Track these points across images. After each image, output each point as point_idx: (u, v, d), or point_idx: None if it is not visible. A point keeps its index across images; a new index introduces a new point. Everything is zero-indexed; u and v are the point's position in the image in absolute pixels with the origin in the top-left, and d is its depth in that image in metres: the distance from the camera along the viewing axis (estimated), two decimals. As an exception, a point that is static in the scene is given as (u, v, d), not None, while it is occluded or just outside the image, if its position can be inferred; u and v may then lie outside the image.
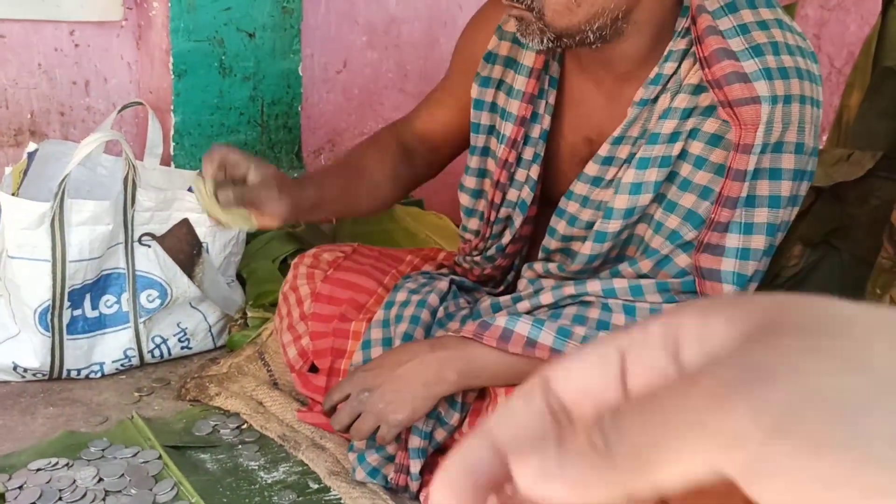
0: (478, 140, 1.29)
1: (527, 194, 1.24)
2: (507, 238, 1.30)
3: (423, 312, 1.27)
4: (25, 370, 1.46)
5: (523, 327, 1.12)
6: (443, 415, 1.20)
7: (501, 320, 1.14)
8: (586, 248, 1.18)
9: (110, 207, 1.45)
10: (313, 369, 1.40)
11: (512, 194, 1.26)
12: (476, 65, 1.25)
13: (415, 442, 1.18)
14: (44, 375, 1.47)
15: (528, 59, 1.20)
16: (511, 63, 1.22)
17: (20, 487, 1.17)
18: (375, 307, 1.37)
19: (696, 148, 1.10)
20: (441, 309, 1.29)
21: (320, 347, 1.37)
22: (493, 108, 1.26)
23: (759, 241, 1.08)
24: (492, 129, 1.28)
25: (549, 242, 1.24)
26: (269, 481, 1.23)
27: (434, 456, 1.22)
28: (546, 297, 1.18)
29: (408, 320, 1.26)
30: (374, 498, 1.18)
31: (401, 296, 1.31)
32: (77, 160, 1.40)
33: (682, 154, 1.11)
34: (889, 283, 1.43)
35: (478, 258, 1.36)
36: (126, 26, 1.84)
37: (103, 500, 1.16)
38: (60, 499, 1.15)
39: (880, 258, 1.45)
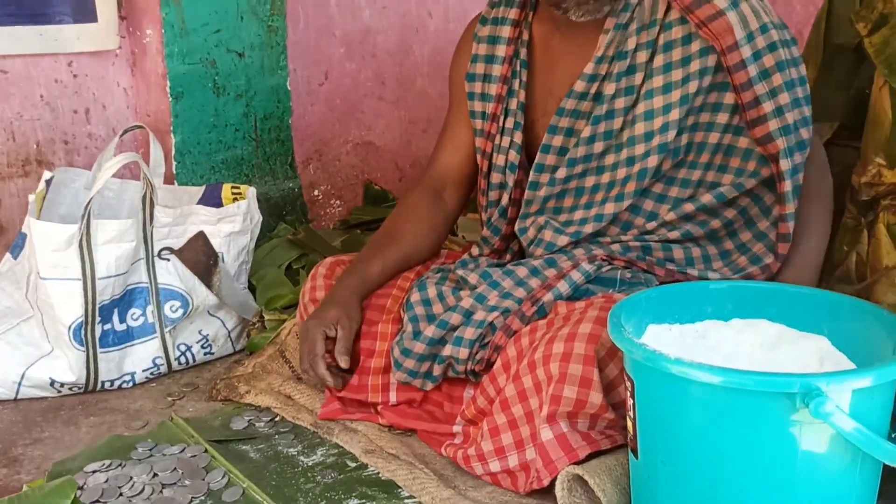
0: (476, 124, 1.51)
1: (514, 157, 1.45)
2: (505, 199, 1.47)
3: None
4: (62, 385, 1.54)
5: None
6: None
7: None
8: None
9: (132, 225, 1.54)
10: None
11: (500, 159, 1.47)
12: (464, 84, 1.50)
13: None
14: (80, 389, 1.56)
15: (500, 51, 1.46)
16: (489, 59, 1.48)
17: (81, 487, 1.25)
18: (395, 306, 1.48)
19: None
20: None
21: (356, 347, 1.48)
22: (483, 97, 1.48)
23: (784, 98, 1.28)
24: (483, 114, 1.49)
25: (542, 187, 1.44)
26: (310, 464, 1.33)
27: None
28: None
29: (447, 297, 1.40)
30: (410, 468, 1.28)
31: (431, 291, 1.43)
32: (101, 183, 1.49)
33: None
34: (854, 240, 1.58)
35: (487, 233, 1.50)
36: (120, 54, 1.92)
37: (160, 492, 1.25)
38: (121, 494, 1.24)
39: (845, 218, 1.60)
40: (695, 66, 1.31)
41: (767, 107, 1.28)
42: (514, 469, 1.21)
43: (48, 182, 1.65)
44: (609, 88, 1.36)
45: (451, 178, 1.55)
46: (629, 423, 1.04)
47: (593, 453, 1.16)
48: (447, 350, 1.33)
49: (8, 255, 1.68)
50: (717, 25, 1.28)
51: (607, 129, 1.37)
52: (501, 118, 1.46)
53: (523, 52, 1.44)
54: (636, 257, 1.34)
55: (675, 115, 1.32)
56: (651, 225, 1.37)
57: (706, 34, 1.29)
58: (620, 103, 1.36)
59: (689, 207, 1.35)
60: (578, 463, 1.14)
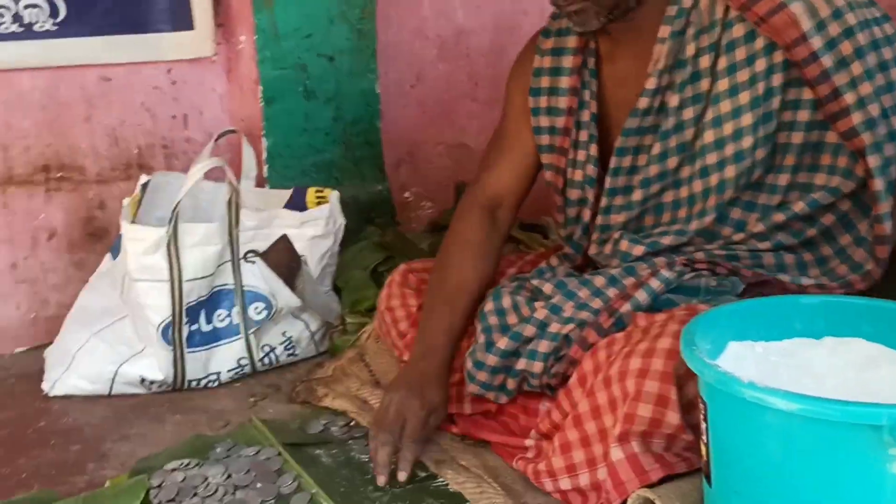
0: (541, 139, 1.45)
1: (591, 171, 1.39)
2: (586, 215, 1.41)
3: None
4: (152, 382, 1.59)
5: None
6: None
7: None
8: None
9: (218, 228, 1.58)
10: None
11: (577, 174, 1.40)
12: (526, 99, 1.44)
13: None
14: (168, 387, 1.61)
15: (567, 62, 1.40)
16: (555, 71, 1.42)
17: (159, 486, 1.29)
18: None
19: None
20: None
21: None
22: (550, 111, 1.42)
23: (866, 88, 1.19)
24: (552, 129, 1.43)
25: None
26: (381, 472, 1.32)
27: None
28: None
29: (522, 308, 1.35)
30: (478, 481, 1.26)
31: (506, 301, 1.38)
32: (187, 188, 1.54)
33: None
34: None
35: (569, 251, 1.46)
36: (217, 61, 1.97)
37: (233, 493, 1.27)
38: (195, 494, 1.27)
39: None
40: (760, 64, 1.23)
41: (849, 98, 1.19)
42: (585, 488, 1.17)
43: (144, 186, 1.71)
44: (673, 100, 1.29)
45: (506, 197, 1.49)
46: (703, 448, 0.98)
47: (668, 476, 1.10)
48: (521, 364, 1.30)
49: (108, 256, 1.75)
50: (778, 20, 1.20)
51: (679, 143, 1.31)
52: (574, 131, 1.41)
53: (591, 62, 1.38)
54: (721, 260, 1.27)
55: (747, 119, 1.24)
56: (739, 236, 1.29)
57: (766, 31, 1.21)
58: (689, 113, 1.29)
59: (779, 217, 1.26)
60: (652, 486, 1.08)
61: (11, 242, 1.80)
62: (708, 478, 0.97)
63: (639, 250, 1.32)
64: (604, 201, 1.38)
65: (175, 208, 1.53)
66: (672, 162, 1.32)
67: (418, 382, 1.31)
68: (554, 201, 1.49)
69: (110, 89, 1.87)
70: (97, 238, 1.89)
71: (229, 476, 1.31)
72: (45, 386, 1.62)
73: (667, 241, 1.31)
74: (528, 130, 1.46)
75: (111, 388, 1.60)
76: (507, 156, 1.51)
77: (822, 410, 0.83)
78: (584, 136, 1.40)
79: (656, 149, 1.32)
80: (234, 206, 1.61)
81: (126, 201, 1.62)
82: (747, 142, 1.25)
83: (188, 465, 1.34)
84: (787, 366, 1.04)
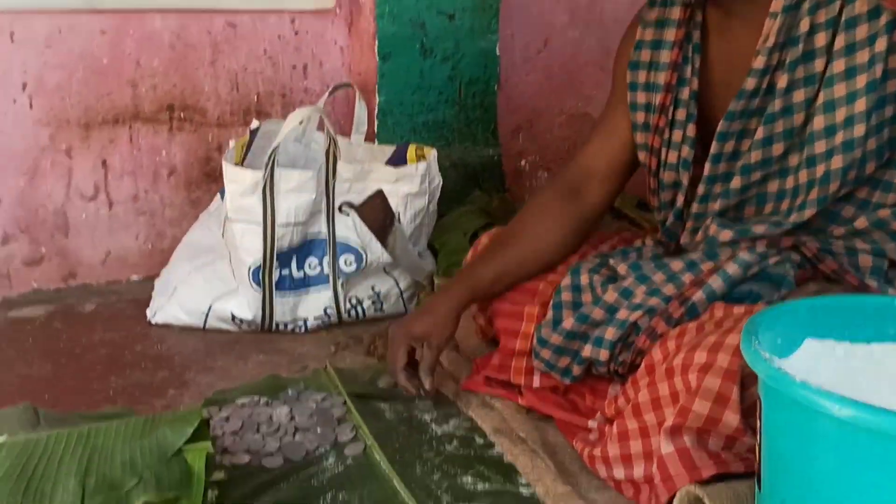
0: (637, 117, 1.35)
1: (687, 153, 1.28)
2: (680, 200, 1.31)
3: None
4: (241, 321, 1.65)
5: None
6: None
7: None
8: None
9: (313, 177, 1.60)
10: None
11: (671, 156, 1.30)
12: (626, 73, 1.35)
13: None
14: (257, 327, 1.66)
15: (669, 35, 1.30)
16: (656, 44, 1.32)
17: (227, 418, 1.33)
18: (549, 290, 1.40)
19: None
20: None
21: (499, 327, 1.43)
22: (648, 87, 1.32)
23: None
24: (648, 106, 1.33)
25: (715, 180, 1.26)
26: (439, 433, 1.31)
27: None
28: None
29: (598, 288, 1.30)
30: (532, 456, 1.22)
31: (584, 279, 1.33)
32: (283, 133, 1.56)
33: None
34: None
35: (663, 238, 1.38)
36: (339, 14, 2.00)
37: (293, 435, 1.30)
38: (258, 430, 1.30)
39: None
40: (881, 44, 1.09)
41: None
42: (639, 481, 1.11)
43: (253, 131, 1.76)
44: (782, 81, 1.17)
45: (596, 171, 1.40)
46: (756, 448, 0.90)
47: (722, 476, 1.03)
48: (587, 351, 1.24)
49: (218, 196, 1.83)
50: None
51: (786, 128, 1.19)
52: (671, 109, 1.30)
53: (696, 36, 1.27)
54: (811, 248, 1.16)
55: (860, 105, 1.11)
56: (839, 231, 1.17)
57: (893, 4, 1.08)
58: (800, 95, 1.17)
59: (884, 213, 1.13)
60: (704, 483, 1.01)
61: (135, 175, 1.91)
62: (758, 481, 0.90)
63: (726, 235, 1.22)
64: (701, 189, 1.28)
65: (272, 153, 1.56)
66: (777, 148, 1.21)
67: (412, 315, 1.37)
68: (648, 183, 1.40)
69: (235, 35, 1.94)
70: (213, 178, 1.97)
71: (293, 418, 1.34)
72: (148, 313, 1.72)
73: (760, 229, 1.21)
74: (626, 106, 1.38)
75: (205, 321, 1.67)
76: (601, 131, 1.43)
77: (882, 421, 0.74)
78: (681, 114, 1.30)
79: (760, 133, 1.21)
80: (331, 157, 1.63)
81: (232, 143, 1.67)
82: (859, 130, 1.12)
83: (258, 402, 1.38)
84: (868, 372, 0.94)
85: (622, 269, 1.28)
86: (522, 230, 1.40)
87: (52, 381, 1.48)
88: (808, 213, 1.17)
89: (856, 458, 0.77)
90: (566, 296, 1.31)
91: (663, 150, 1.32)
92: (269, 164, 1.56)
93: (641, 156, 1.36)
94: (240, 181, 1.57)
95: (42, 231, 1.84)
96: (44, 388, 1.44)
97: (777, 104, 1.19)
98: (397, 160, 1.75)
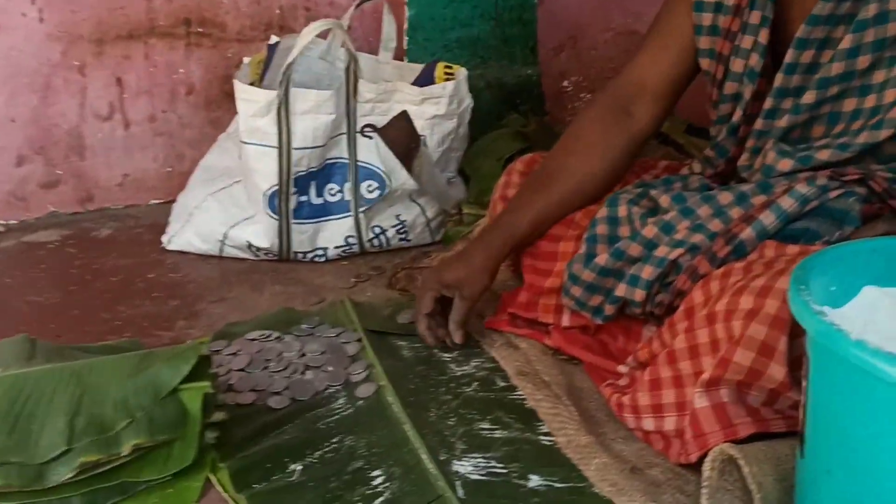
0: (703, 18, 1.20)
1: (755, 62, 1.14)
2: (737, 115, 1.18)
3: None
4: (258, 249, 1.57)
5: None
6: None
7: None
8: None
9: (332, 97, 1.49)
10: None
11: (737, 65, 1.16)
12: None
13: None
14: (274, 256, 1.58)
15: None
16: None
17: (234, 354, 1.27)
18: (585, 221, 1.28)
19: None
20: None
21: (526, 263, 1.33)
22: (717, 7, 1.18)
23: None
24: (719, 6, 1.18)
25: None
26: (459, 374, 1.23)
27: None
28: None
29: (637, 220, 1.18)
30: (555, 402, 1.13)
31: (622, 210, 1.21)
32: (298, 49, 1.45)
33: None
34: None
35: (711, 153, 1.25)
36: (369, -79, 1.85)
37: (302, 373, 1.23)
38: (266, 367, 1.23)
39: None
40: None
41: None
42: (670, 434, 1.01)
43: (271, 47, 1.65)
44: None
45: (648, 85, 1.25)
46: (801, 409, 0.79)
47: (761, 435, 0.92)
48: (621, 290, 1.13)
49: (237, 117, 1.73)
50: None
51: (878, 38, 1.03)
52: (746, 11, 1.15)
53: None
54: (881, 179, 1.02)
55: None
56: None
57: None
58: None
59: None
60: (739, 442, 0.91)
61: (151, 94, 1.82)
62: (801, 445, 0.79)
63: (785, 164, 1.09)
64: (769, 102, 1.14)
65: (286, 71, 1.45)
66: (863, 61, 1.06)
67: (446, 260, 1.28)
68: (709, 95, 1.25)
69: (255, -57, 1.81)
70: (234, 98, 1.85)
71: (303, 355, 1.26)
72: (164, 239, 1.65)
73: (824, 155, 1.07)
74: (687, 7, 1.23)
75: (221, 249, 1.59)
76: (655, 39, 1.28)
77: (952, 392, 0.62)
78: (755, 17, 1.14)
79: (846, 42, 1.06)
80: (351, 75, 1.51)
81: (247, 60, 1.57)
82: None
83: (268, 336, 1.31)
84: (937, 327, 0.81)
85: (664, 200, 1.16)
86: (565, 161, 1.27)
87: (60, 309, 1.43)
88: (885, 133, 1.03)
89: (919, 431, 0.66)
90: (601, 229, 1.20)
91: (731, 58, 1.17)
92: (284, 83, 1.45)
93: (705, 63, 1.22)
94: (252, 101, 1.47)
95: (57, 152, 1.77)
96: (50, 317, 1.40)
97: (871, 9, 1.04)
98: (425, 80, 1.63)
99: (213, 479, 1.02)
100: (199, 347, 1.08)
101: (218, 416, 1.08)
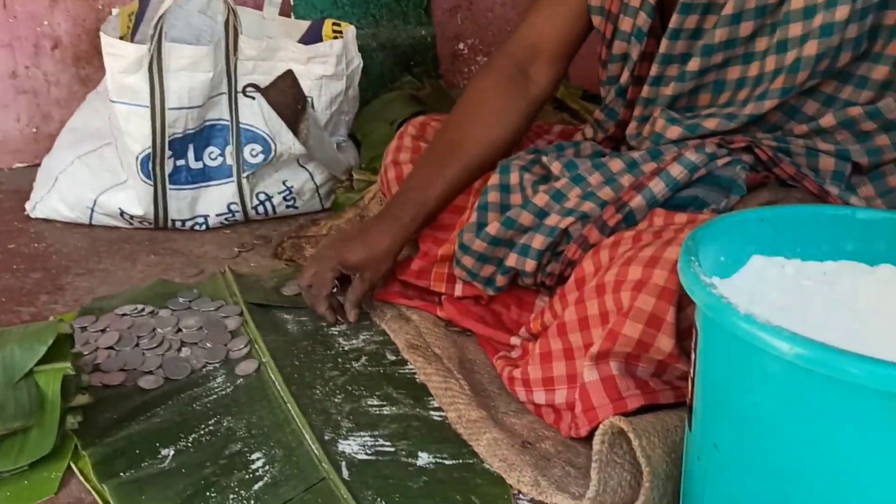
0: None
1: (643, 21, 1.11)
2: (625, 76, 1.15)
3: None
4: (132, 217, 1.47)
5: None
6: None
7: None
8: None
9: (210, 53, 1.40)
10: None
11: (626, 23, 1.13)
12: None
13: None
14: (149, 224, 1.48)
15: None
16: None
17: (103, 330, 1.17)
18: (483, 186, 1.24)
19: None
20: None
21: (425, 234, 1.27)
22: None
23: None
24: None
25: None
26: (347, 348, 1.18)
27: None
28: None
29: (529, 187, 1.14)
30: (446, 376, 1.09)
31: (514, 177, 1.17)
32: (170, 1, 1.34)
33: None
34: None
35: (600, 116, 1.22)
36: None
37: (178, 350, 1.15)
38: (137, 345, 1.15)
39: None
40: None
41: None
42: (560, 407, 0.99)
43: (144, -1, 1.53)
44: None
45: (544, 48, 1.22)
46: (689, 382, 0.78)
47: (651, 406, 0.91)
48: (511, 260, 1.10)
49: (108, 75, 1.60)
50: None
51: (759, 4, 1.01)
52: None
53: None
54: (766, 147, 1.02)
55: None
56: (801, 129, 1.03)
57: None
58: None
59: (854, 111, 0.99)
60: (629, 415, 0.90)
61: (12, 48, 1.67)
62: (689, 418, 0.78)
63: (674, 132, 1.07)
64: (655, 69, 1.11)
65: (158, 23, 1.34)
66: (746, 28, 1.04)
67: (348, 239, 1.19)
68: (599, 54, 1.22)
69: None
70: (104, 54, 1.73)
71: (179, 330, 1.18)
72: (27, 206, 1.52)
73: (711, 124, 1.06)
74: None
75: (91, 217, 1.48)
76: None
77: (838, 365, 0.61)
78: None
79: (729, 7, 1.04)
80: (230, 30, 1.42)
81: (115, 12, 1.45)
82: (841, 13, 0.96)
83: (141, 311, 1.22)
84: (822, 294, 0.81)
85: (556, 167, 1.13)
86: (469, 130, 1.21)
87: None
88: (769, 104, 1.02)
89: (806, 405, 0.65)
90: (493, 196, 1.16)
91: (620, 17, 1.14)
92: (156, 37, 1.34)
93: (596, 21, 1.18)
94: (121, 56, 1.36)
95: None
96: None
97: None
98: (311, 37, 1.54)
99: (74, 468, 0.93)
100: (58, 325, 0.98)
101: (81, 399, 0.99)
